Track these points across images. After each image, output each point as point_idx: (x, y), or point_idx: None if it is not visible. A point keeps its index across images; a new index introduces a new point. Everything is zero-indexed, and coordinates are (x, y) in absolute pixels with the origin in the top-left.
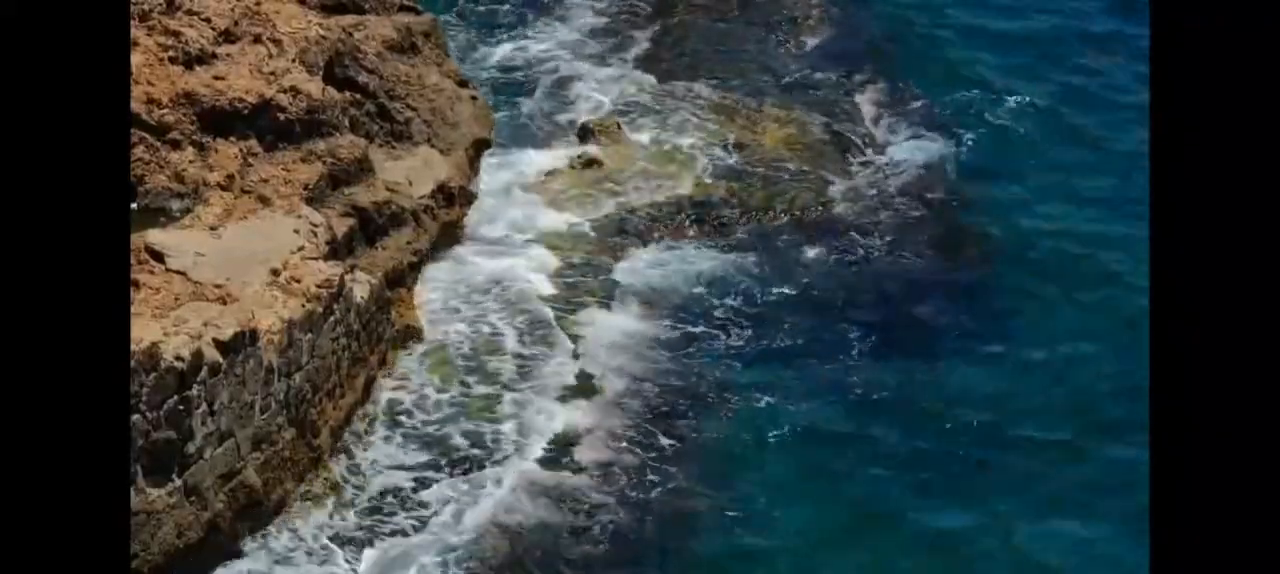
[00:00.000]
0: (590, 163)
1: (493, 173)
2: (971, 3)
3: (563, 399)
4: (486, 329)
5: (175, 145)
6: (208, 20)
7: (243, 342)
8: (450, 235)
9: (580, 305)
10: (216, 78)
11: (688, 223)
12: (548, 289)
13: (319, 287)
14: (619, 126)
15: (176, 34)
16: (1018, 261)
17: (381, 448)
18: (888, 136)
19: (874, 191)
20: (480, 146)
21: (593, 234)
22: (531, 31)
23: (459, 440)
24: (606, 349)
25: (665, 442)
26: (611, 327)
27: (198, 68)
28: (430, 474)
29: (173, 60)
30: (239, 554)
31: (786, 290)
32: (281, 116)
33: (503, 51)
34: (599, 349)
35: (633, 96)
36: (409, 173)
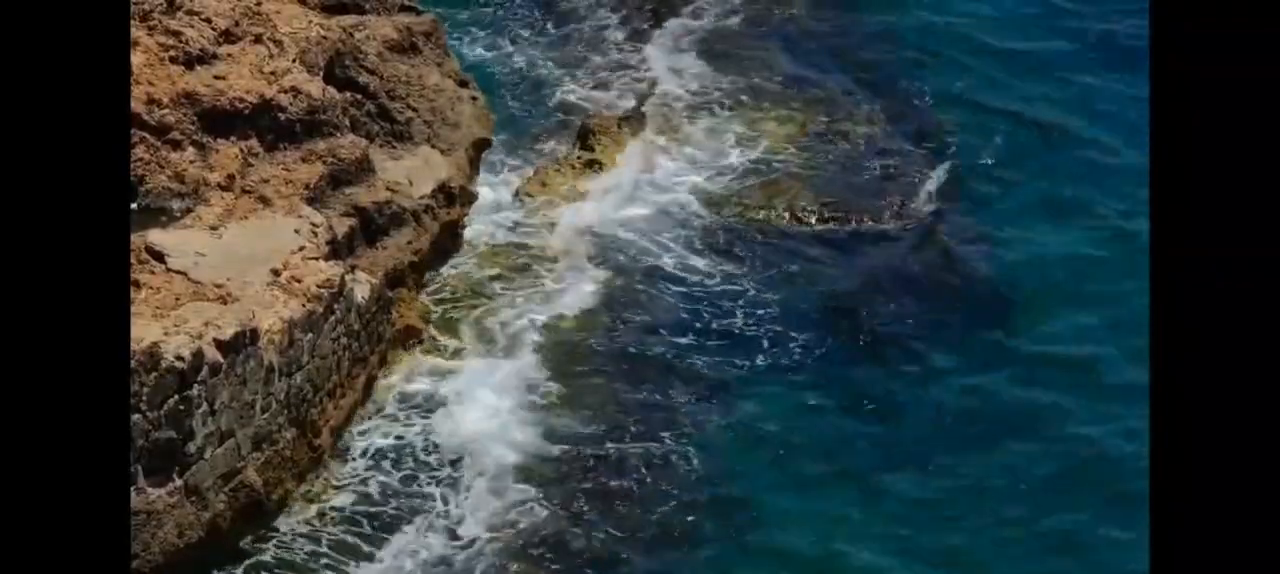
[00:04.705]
0: (590, 163)
1: (491, 172)
2: (974, 5)
3: (561, 399)
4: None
5: (175, 145)
6: (208, 20)
7: (243, 341)
8: (450, 235)
9: (579, 305)
10: (217, 78)
11: (687, 223)
12: (547, 289)
13: (319, 286)
14: (619, 126)
15: (177, 34)
16: (1019, 262)
17: (380, 442)
18: (889, 137)
19: (875, 191)
20: (481, 146)
21: (592, 234)
22: (531, 30)
23: (460, 440)
24: (606, 348)
25: (665, 441)
26: (611, 326)
27: (198, 68)
28: (429, 474)
29: (173, 60)
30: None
31: (786, 291)
32: (282, 116)
33: (503, 51)
34: (599, 348)
35: (632, 97)
36: (409, 173)
